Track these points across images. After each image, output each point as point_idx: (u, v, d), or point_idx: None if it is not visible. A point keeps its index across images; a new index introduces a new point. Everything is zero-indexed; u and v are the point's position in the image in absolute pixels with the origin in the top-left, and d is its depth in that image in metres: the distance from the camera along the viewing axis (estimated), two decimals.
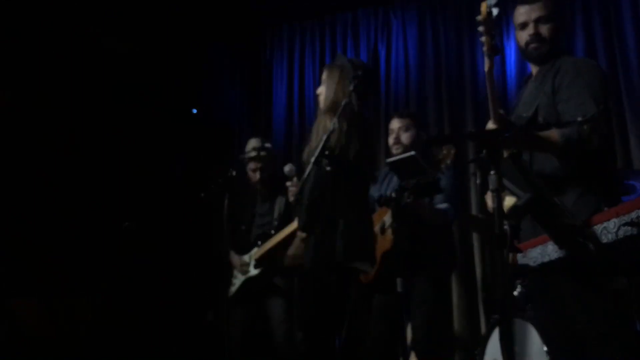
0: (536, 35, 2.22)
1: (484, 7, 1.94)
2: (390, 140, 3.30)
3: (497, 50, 2.00)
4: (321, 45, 5.37)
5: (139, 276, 4.52)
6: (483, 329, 4.11)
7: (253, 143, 3.93)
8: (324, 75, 2.81)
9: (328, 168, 2.48)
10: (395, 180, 3.17)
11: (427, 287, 3.00)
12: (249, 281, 3.72)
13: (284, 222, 3.66)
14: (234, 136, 5.42)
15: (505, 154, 2.00)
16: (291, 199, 2.85)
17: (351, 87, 2.61)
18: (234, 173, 3.61)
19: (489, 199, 2.18)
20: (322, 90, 2.79)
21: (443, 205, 3.08)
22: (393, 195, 2.55)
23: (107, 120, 4.74)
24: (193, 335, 4.55)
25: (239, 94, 5.61)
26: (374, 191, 3.26)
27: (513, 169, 1.91)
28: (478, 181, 2.15)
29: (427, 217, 3.02)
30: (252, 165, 3.83)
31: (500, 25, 2.85)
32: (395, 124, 3.30)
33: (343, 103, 2.59)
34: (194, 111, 5.30)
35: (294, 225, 3.46)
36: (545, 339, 2.42)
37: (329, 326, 2.54)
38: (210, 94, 5.39)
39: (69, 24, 4.53)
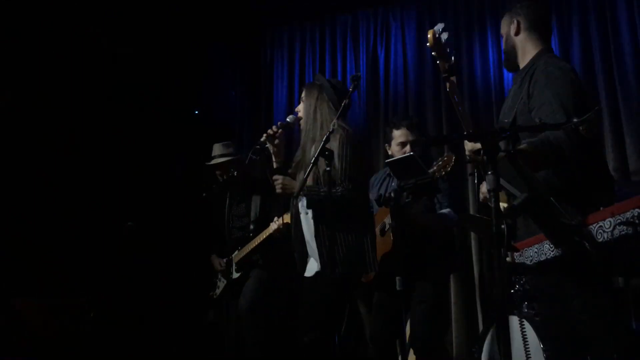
0: (502, 51, 2.45)
1: (430, 34, 2.01)
2: (398, 150, 3.26)
3: (453, 73, 2.06)
4: (321, 45, 5.38)
5: (139, 276, 4.53)
6: (480, 327, 4.13)
7: (215, 150, 3.96)
8: (303, 94, 2.88)
9: (328, 168, 2.51)
10: (394, 181, 3.19)
11: (426, 286, 3.02)
12: (232, 283, 3.77)
13: (260, 223, 3.71)
14: (234, 136, 5.44)
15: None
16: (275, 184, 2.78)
17: (350, 88, 2.65)
18: (235, 173, 3.64)
19: (484, 187, 2.19)
20: (301, 108, 2.86)
21: (446, 210, 3.11)
22: (392, 195, 2.57)
23: (107, 120, 4.76)
24: (193, 334, 4.57)
25: (239, 94, 5.62)
26: (374, 191, 3.29)
27: (510, 169, 1.93)
28: (476, 181, 2.17)
29: (434, 226, 3.06)
30: (217, 171, 3.86)
31: (453, 46, 2.81)
32: (405, 136, 3.25)
33: (341, 110, 2.64)
34: (196, 112, 5.32)
35: (271, 229, 3.54)
36: (542, 337, 2.44)
37: (330, 325, 2.56)
38: (211, 94, 5.41)
39: (70, 25, 4.54)
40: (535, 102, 2.13)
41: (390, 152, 3.32)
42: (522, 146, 2.04)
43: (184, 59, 5.17)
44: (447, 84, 2.09)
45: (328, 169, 2.53)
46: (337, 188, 2.60)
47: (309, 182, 2.62)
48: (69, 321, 3.98)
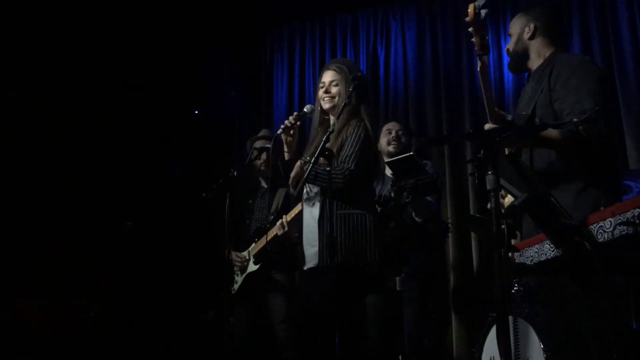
0: (507, 51, 2.45)
1: (471, 9, 2.01)
2: (387, 139, 3.50)
3: (487, 50, 2.07)
4: (321, 45, 5.38)
5: (140, 276, 4.53)
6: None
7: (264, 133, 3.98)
8: (337, 76, 2.78)
9: (328, 168, 2.50)
10: (388, 181, 3.22)
11: (411, 284, 3.06)
12: (250, 277, 3.72)
13: (281, 216, 3.66)
14: (234, 136, 5.43)
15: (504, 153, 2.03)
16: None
17: (351, 88, 2.63)
18: (235, 173, 3.62)
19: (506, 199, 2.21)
20: (338, 91, 2.76)
21: (428, 197, 3.19)
22: (392, 195, 2.57)
23: (107, 120, 4.76)
24: (193, 334, 4.57)
25: (239, 94, 5.62)
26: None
27: (511, 169, 1.93)
28: (476, 181, 2.17)
29: (420, 209, 3.09)
30: (262, 158, 3.80)
31: (488, 26, 2.90)
32: (394, 125, 3.55)
33: (342, 103, 2.62)
34: (196, 112, 5.32)
35: (288, 217, 3.47)
36: (543, 337, 2.44)
37: (328, 325, 2.55)
38: (211, 94, 5.41)
39: (69, 25, 4.55)
40: (559, 94, 2.14)
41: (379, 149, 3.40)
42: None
43: (183, 59, 5.17)
44: (479, 63, 2.10)
45: (329, 168, 2.52)
46: (340, 166, 2.58)
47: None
48: (69, 321, 3.98)
